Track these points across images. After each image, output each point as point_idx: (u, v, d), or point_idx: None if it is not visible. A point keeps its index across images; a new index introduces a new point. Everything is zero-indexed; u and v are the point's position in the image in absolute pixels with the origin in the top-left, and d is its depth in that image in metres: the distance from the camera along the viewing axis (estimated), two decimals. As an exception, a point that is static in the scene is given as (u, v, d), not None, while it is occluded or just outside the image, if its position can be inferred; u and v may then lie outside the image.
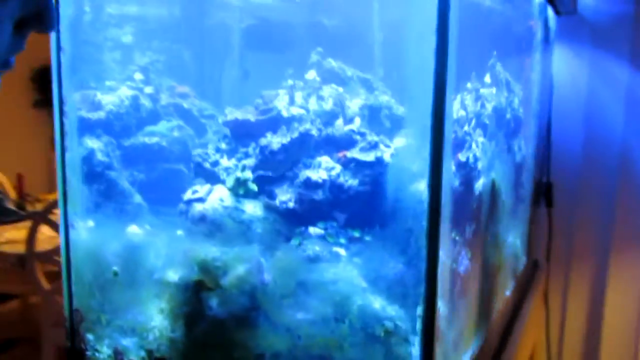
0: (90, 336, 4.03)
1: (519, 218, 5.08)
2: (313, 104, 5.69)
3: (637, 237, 5.39)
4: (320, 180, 4.58)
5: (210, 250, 4.02)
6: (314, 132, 4.86)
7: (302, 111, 5.56)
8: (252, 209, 4.83)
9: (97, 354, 4.08)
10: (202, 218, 4.79)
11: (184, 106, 7.49)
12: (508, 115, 4.54)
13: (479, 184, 4.38)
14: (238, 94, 8.39)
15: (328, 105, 5.71)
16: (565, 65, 5.96)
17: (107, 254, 4.40)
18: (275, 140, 4.90)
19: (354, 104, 5.92)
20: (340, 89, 6.16)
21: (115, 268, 4.31)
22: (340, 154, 4.84)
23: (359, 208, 4.70)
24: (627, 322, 5.08)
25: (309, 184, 4.59)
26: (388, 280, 3.81)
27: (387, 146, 4.83)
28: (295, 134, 4.85)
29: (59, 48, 3.75)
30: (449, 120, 3.16)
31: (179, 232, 4.97)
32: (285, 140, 4.85)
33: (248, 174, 4.58)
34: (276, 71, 7.38)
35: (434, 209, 3.12)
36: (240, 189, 4.58)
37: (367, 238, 4.48)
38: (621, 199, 5.45)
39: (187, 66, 8.71)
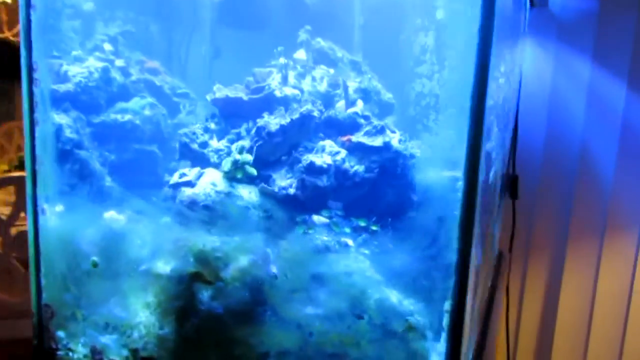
0: (62, 333, 3.57)
1: (495, 210, 4.96)
2: (307, 85, 5.33)
3: (593, 229, 5.42)
4: (325, 165, 4.25)
5: (209, 240, 3.62)
6: (316, 113, 4.52)
7: (297, 92, 5.19)
8: (248, 194, 4.44)
9: (70, 354, 3.61)
10: (193, 203, 4.36)
11: (155, 83, 6.93)
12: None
13: (491, 174, 4.18)
14: (213, 72, 7.88)
15: (323, 86, 5.36)
16: (533, 59, 5.88)
17: (84, 242, 3.90)
18: (273, 121, 4.52)
19: (350, 87, 5.61)
20: (331, 70, 5.84)
21: (94, 258, 3.84)
22: (345, 138, 4.52)
23: (366, 196, 4.40)
24: (581, 311, 5.08)
25: (312, 169, 4.25)
26: (404, 272, 3.53)
27: (393, 131, 4.55)
28: (296, 115, 4.48)
29: (28, 4, 3.21)
30: (488, 109, 2.92)
31: (166, 219, 4.52)
32: (285, 121, 4.48)
33: (248, 157, 4.18)
34: (256, 49, 6.95)
35: (470, 198, 2.86)
36: (238, 173, 4.17)
37: (374, 227, 4.20)
38: (579, 192, 5.47)
39: (156, 40, 8.09)
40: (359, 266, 3.76)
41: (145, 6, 8.59)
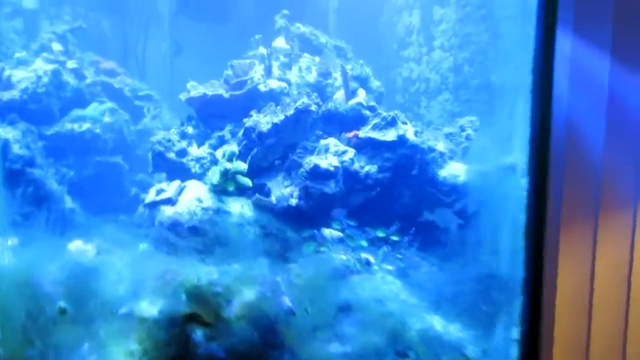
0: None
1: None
2: (294, 76, 4.66)
3: (586, 212, 5.00)
4: (331, 168, 3.60)
5: (204, 272, 2.92)
6: (313, 107, 3.85)
7: (284, 84, 4.51)
8: (240, 209, 3.75)
9: (39, 421, 2.87)
10: (176, 225, 3.64)
11: (113, 85, 6.12)
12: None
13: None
14: (176, 70, 7.04)
15: (312, 76, 4.70)
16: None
17: (47, 283, 3.15)
18: (263, 120, 3.83)
19: (339, 75, 4.96)
20: (317, 58, 5.18)
21: (61, 303, 3.08)
22: (351, 134, 3.88)
23: (381, 200, 3.78)
24: (581, 295, 4.62)
25: (317, 174, 3.60)
26: (445, 292, 2.92)
27: (404, 122, 3.93)
28: (290, 111, 3.81)
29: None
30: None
31: (143, 246, 3.81)
32: (277, 119, 3.80)
33: (240, 165, 3.47)
34: (226, 41, 6.21)
35: (540, 195, 2.27)
36: (229, 185, 3.47)
37: (394, 238, 3.58)
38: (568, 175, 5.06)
39: (110, 37, 7.21)
40: (389, 289, 3.13)
41: (96, 1, 7.71)
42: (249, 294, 2.93)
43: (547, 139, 2.30)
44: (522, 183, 2.46)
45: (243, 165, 3.50)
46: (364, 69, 5.12)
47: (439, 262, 3.58)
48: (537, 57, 2.36)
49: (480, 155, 3.81)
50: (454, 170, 3.65)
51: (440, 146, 3.74)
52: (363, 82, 5.03)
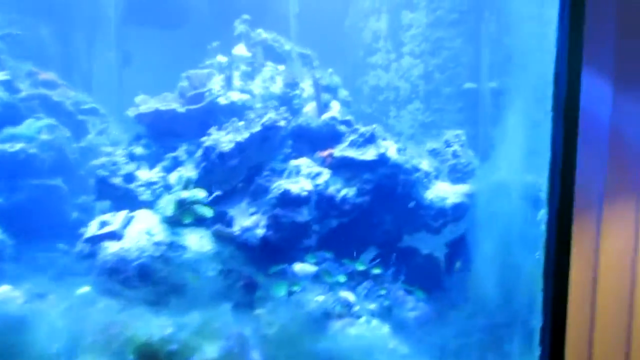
0: None
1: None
2: (258, 87, 4.18)
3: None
4: (304, 194, 3.13)
5: (156, 325, 2.41)
6: (282, 123, 3.38)
7: (246, 96, 4.02)
8: (198, 242, 3.24)
9: None
10: (122, 263, 3.10)
11: (52, 98, 5.52)
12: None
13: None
14: (126, 81, 6.43)
15: (277, 87, 4.23)
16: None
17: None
18: (225, 139, 3.34)
19: (307, 85, 4.52)
20: (281, 67, 4.72)
21: (-21, 368, 2.52)
22: (325, 153, 3.43)
23: (359, 227, 3.34)
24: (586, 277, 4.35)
25: (287, 200, 3.13)
26: (441, 340, 2.51)
27: (384, 138, 3.51)
28: (256, 128, 3.33)
29: None
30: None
31: (84, 290, 3.28)
32: (241, 137, 3.32)
33: (198, 193, 2.97)
34: (180, 49, 5.67)
35: (563, 228, 1.89)
36: (186, 217, 2.96)
37: (376, 271, 3.15)
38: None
39: (50, 46, 6.60)
40: (375, 336, 2.69)
41: (32, 5, 7.02)
42: (211, 351, 2.45)
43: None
44: (520, 205, 2.07)
45: (202, 194, 3.00)
46: (333, 78, 4.69)
47: (426, 297, 3.18)
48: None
49: (467, 172, 3.44)
50: (441, 192, 3.26)
51: (425, 165, 3.34)
52: (332, 92, 4.60)
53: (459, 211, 3.20)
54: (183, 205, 2.93)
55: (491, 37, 5.55)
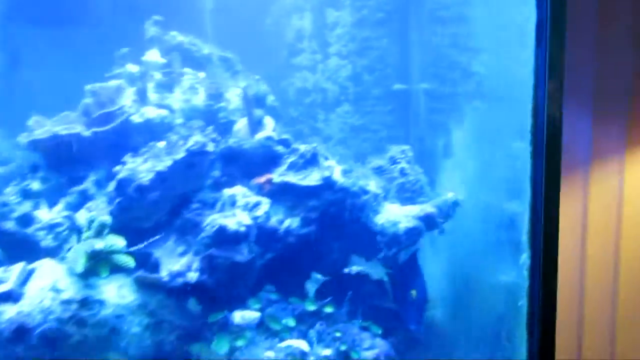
0: None
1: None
2: (177, 100, 3.67)
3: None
4: (242, 229, 2.71)
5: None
6: (210, 147, 2.93)
7: (164, 112, 3.51)
8: (116, 293, 2.73)
9: None
10: (20, 334, 2.53)
11: None
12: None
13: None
14: (13, 94, 5.57)
15: (199, 99, 3.74)
16: None
17: None
18: (143, 167, 2.83)
19: (233, 95, 4.07)
20: (201, 74, 4.23)
21: None
22: (262, 179, 3.01)
23: (307, 261, 2.97)
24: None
25: (223, 238, 2.69)
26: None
27: (326, 157, 3.15)
28: (180, 154, 2.85)
29: None
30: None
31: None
32: (162, 165, 2.83)
33: (117, 242, 2.45)
34: (80, 54, 5.01)
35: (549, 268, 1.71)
36: (102, 270, 2.45)
37: (328, 309, 2.81)
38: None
39: None
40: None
41: None
42: None
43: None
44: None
45: (121, 242, 2.49)
46: (260, 85, 4.28)
47: (382, 331, 2.88)
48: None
49: (416, 191, 3.17)
50: (391, 215, 2.96)
51: (373, 185, 3.02)
52: (260, 101, 4.17)
53: (413, 236, 2.92)
54: (98, 257, 2.42)
55: (421, 37, 5.36)
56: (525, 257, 1.83)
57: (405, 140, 5.65)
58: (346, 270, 3.08)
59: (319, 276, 3.02)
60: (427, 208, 2.96)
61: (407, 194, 3.20)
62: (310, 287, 3.03)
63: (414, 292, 2.93)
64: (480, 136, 3.65)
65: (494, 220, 3.02)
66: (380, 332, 2.87)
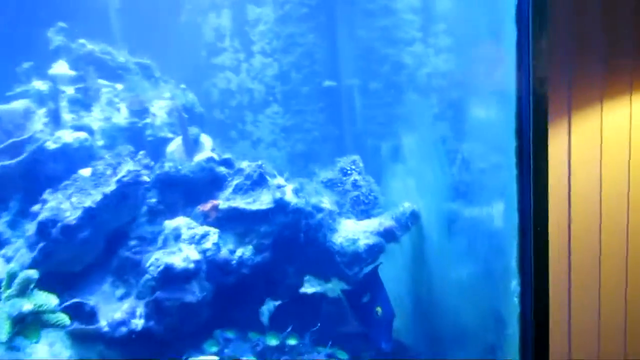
0: None
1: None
2: (97, 119, 3.27)
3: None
4: (191, 266, 2.44)
5: None
6: (144, 177, 2.61)
7: (83, 134, 3.11)
8: (49, 352, 2.37)
9: None
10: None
11: None
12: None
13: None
14: None
15: (122, 117, 3.36)
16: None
17: None
18: (66, 205, 2.46)
19: (158, 108, 3.72)
20: (119, 86, 3.84)
21: None
22: (207, 207, 2.72)
23: (262, 290, 2.74)
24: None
25: (170, 278, 2.41)
26: None
27: (273, 175, 2.92)
28: (110, 187, 2.51)
29: None
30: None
31: None
32: (90, 200, 2.49)
33: (49, 300, 2.10)
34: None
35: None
36: (30, 335, 2.09)
37: (292, 342, 2.63)
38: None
39: None
40: None
41: None
42: None
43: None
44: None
45: (53, 301, 2.14)
46: (187, 94, 3.94)
47: (352, 358, 2.73)
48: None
49: (370, 203, 3.03)
50: (349, 233, 2.79)
51: (327, 202, 2.84)
52: (189, 112, 3.85)
53: (374, 253, 2.78)
54: (25, 321, 2.06)
55: (349, 31, 5.21)
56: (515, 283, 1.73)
57: (340, 139, 5.53)
58: (301, 290, 2.90)
59: (273, 303, 2.82)
60: (386, 222, 2.82)
61: (362, 207, 3.05)
62: (265, 314, 2.82)
63: (379, 309, 2.80)
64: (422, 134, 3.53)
65: (450, 225, 2.94)
66: (346, 357, 2.72)
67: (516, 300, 1.74)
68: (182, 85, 4.13)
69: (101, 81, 3.83)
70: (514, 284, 1.76)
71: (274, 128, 5.62)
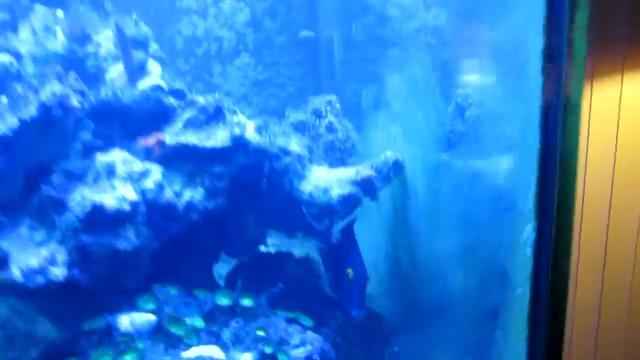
0: None
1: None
2: (27, 42, 2.79)
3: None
4: (126, 207, 2.02)
5: None
6: (75, 102, 2.16)
7: (7, 57, 2.64)
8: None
9: None
10: None
11: None
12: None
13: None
14: None
15: (59, 42, 2.89)
16: None
17: None
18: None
19: (104, 38, 3.25)
20: (60, 13, 3.37)
21: None
22: (150, 141, 2.29)
23: (215, 242, 2.34)
24: None
25: (99, 220, 1.99)
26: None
27: (233, 112, 2.50)
28: (31, 109, 2.07)
29: None
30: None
31: None
32: (6, 126, 2.04)
33: None
34: None
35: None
36: None
37: (246, 302, 2.26)
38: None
39: None
40: None
41: None
42: None
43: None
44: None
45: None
46: (141, 27, 3.47)
47: (314, 323, 2.36)
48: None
49: (346, 150, 2.63)
50: (321, 181, 2.40)
51: (295, 145, 2.43)
52: (141, 47, 3.37)
53: (349, 205, 2.40)
54: None
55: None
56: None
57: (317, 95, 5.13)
58: (263, 248, 2.51)
59: (230, 259, 2.44)
60: (364, 170, 2.44)
61: (337, 154, 2.66)
62: (220, 273, 2.43)
63: (350, 271, 2.44)
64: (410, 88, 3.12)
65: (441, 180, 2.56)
66: (311, 324, 2.35)
67: (529, 251, 1.38)
68: (134, 16, 3.64)
69: (38, 6, 3.31)
70: (527, 230, 1.40)
71: (244, 81, 5.16)
